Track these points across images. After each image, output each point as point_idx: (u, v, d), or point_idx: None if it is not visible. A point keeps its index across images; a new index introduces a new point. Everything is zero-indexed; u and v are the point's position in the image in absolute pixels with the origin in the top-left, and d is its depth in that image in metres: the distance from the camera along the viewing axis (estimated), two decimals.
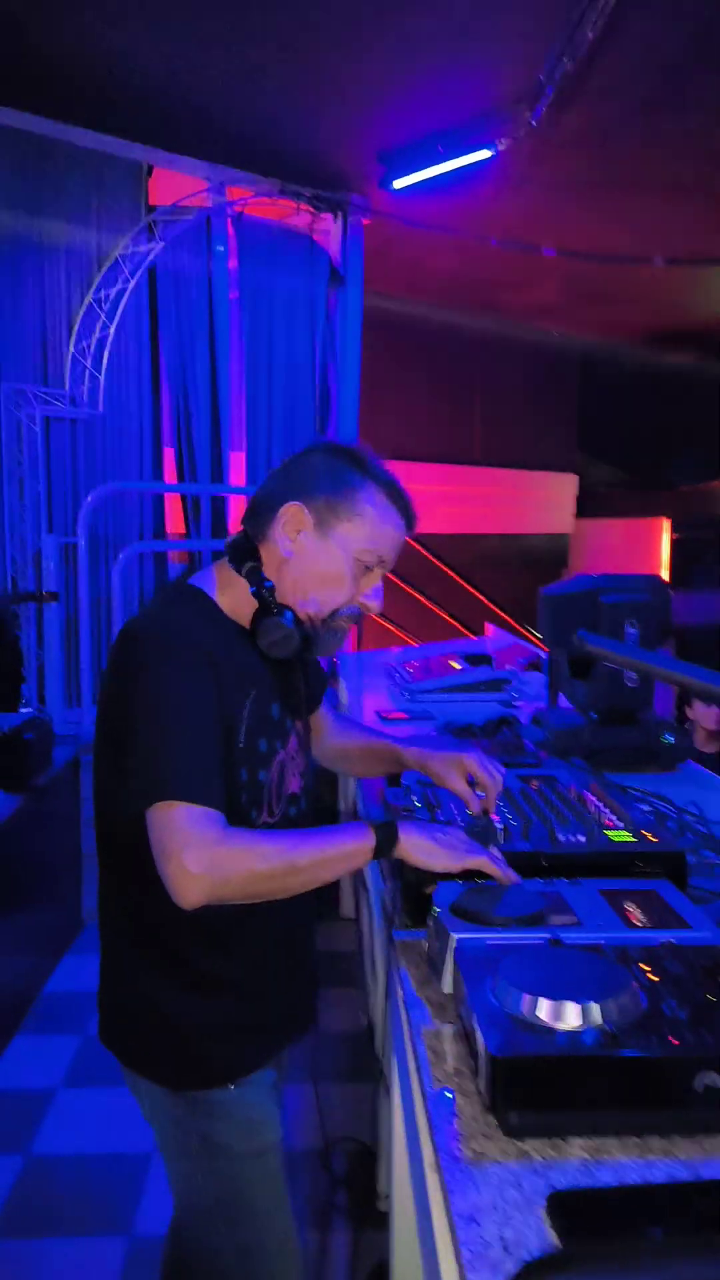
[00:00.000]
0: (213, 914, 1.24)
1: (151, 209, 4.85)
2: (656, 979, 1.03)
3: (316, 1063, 3.13)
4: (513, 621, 6.85)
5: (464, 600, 7.24)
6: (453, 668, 3.64)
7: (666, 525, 10.07)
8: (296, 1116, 2.84)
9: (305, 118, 4.49)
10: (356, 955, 3.66)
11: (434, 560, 7.02)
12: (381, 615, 6.89)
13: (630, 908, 1.26)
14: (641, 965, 1.06)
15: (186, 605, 1.35)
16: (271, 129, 4.60)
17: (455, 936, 1.16)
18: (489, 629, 5.52)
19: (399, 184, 4.94)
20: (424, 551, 6.94)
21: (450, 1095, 0.98)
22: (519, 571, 8.69)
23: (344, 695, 4.05)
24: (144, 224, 4.78)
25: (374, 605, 1.40)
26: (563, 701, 2.63)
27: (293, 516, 1.34)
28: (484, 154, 4.55)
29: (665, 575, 9.97)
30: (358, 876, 3.80)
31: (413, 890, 1.41)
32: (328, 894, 4.23)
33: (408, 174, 4.86)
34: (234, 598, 1.36)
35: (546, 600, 2.44)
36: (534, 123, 4.21)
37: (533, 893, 1.28)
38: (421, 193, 5.03)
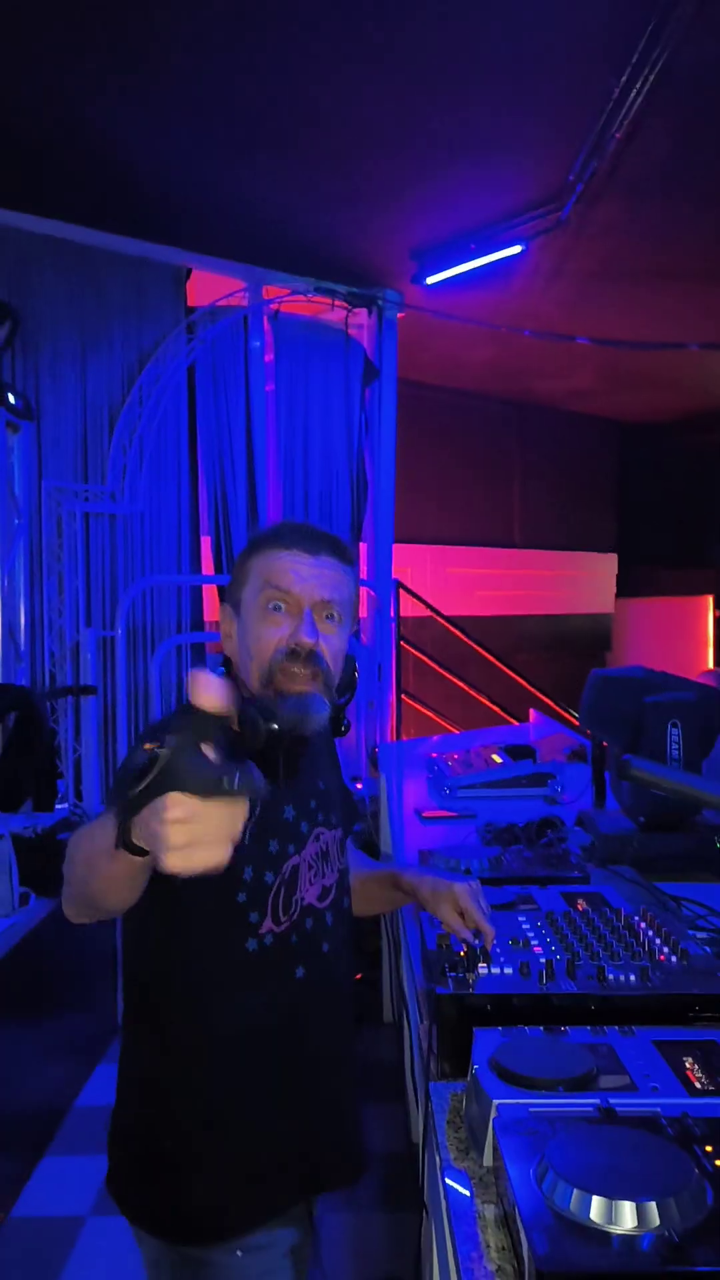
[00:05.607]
0: (226, 1040, 1.22)
1: (191, 310, 4.97)
2: None
3: (356, 1188, 2.97)
4: (555, 705, 6.72)
5: (505, 684, 7.13)
6: (494, 761, 3.53)
7: (711, 603, 9.93)
8: (333, 1250, 2.67)
9: (340, 220, 4.60)
10: (399, 1066, 3.49)
11: (473, 645, 6.94)
12: (420, 701, 6.82)
13: (690, 1064, 1.15)
14: (705, 1146, 0.95)
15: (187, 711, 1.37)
16: (307, 231, 4.72)
17: (496, 1104, 1.06)
18: (533, 715, 5.40)
19: (432, 280, 5.03)
20: (463, 636, 6.87)
21: None
22: (560, 653, 8.58)
23: (382, 788, 3.95)
24: (183, 324, 4.90)
25: (306, 641, 1.28)
26: (611, 799, 2.53)
27: (221, 617, 1.40)
28: (515, 250, 4.63)
29: (711, 653, 9.80)
30: (396, 981, 3.66)
31: (451, 1032, 1.31)
32: (369, 999, 4.07)
33: (440, 270, 4.95)
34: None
35: (598, 680, 2.36)
36: (563, 218, 4.27)
37: (580, 1047, 1.17)
38: (454, 287, 5.12)
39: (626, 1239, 0.82)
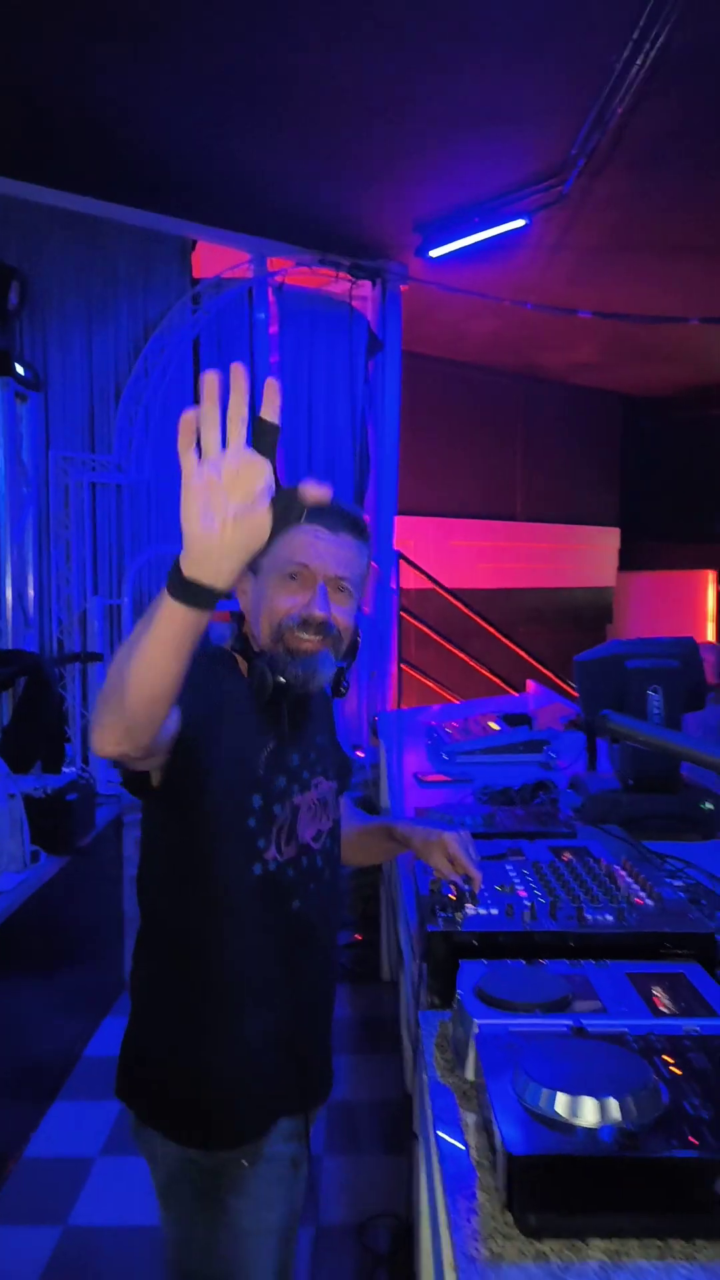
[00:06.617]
0: (230, 961, 1.37)
1: (196, 281, 5.01)
2: (679, 1072, 1.02)
3: (356, 1133, 3.10)
4: (555, 678, 6.81)
5: (506, 657, 7.22)
6: (491, 728, 3.62)
7: (712, 577, 9.98)
8: (336, 1189, 2.80)
9: (344, 193, 4.63)
10: (397, 1021, 3.62)
11: (475, 617, 7.02)
12: (421, 672, 6.92)
13: (657, 993, 1.25)
14: (665, 1057, 1.05)
15: (210, 660, 1.44)
16: (311, 203, 4.75)
17: (478, 1023, 1.16)
18: (531, 686, 5.50)
19: (435, 253, 5.06)
20: (464, 608, 6.95)
21: (470, 1195, 0.97)
22: (561, 626, 8.66)
23: (382, 754, 4.04)
24: (189, 295, 4.94)
25: (318, 614, 1.40)
26: (605, 765, 2.61)
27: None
28: (518, 223, 4.66)
29: (712, 627, 9.87)
30: (394, 942, 3.77)
31: (440, 967, 1.41)
32: (369, 958, 4.19)
33: (444, 243, 4.98)
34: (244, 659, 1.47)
35: (579, 666, 2.45)
36: (566, 192, 4.30)
37: (557, 976, 1.27)
38: (458, 260, 5.15)
39: (589, 1130, 0.92)
